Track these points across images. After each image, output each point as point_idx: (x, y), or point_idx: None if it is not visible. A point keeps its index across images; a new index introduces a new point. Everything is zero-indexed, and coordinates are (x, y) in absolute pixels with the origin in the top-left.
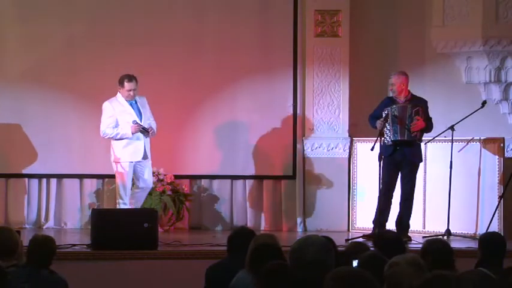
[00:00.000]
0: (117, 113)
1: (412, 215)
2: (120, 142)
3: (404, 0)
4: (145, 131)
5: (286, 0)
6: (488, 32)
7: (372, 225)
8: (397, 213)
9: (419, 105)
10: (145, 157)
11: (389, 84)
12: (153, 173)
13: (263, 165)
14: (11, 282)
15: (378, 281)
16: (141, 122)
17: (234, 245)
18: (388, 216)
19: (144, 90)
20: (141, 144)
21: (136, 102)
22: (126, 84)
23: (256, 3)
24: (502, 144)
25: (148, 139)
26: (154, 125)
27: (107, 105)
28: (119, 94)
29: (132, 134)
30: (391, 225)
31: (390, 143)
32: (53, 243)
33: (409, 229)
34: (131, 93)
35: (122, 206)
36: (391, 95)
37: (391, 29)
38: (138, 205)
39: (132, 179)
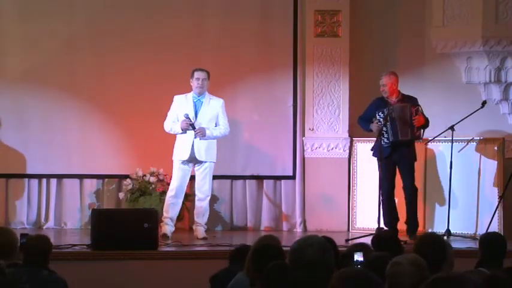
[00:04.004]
0: (178, 107)
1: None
2: (177, 139)
3: (404, 0)
4: (192, 128)
5: (286, 0)
6: (488, 32)
7: (375, 226)
8: (404, 213)
9: (416, 104)
10: (192, 159)
11: (380, 85)
12: (153, 173)
13: (263, 165)
14: (11, 282)
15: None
16: (195, 120)
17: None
18: (396, 215)
19: (144, 90)
20: (188, 143)
21: (202, 101)
22: (195, 73)
23: (256, 3)
24: (502, 145)
25: (206, 142)
26: (217, 131)
27: (174, 99)
28: (192, 91)
29: (181, 129)
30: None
31: (387, 144)
32: (48, 241)
33: (418, 228)
34: (199, 82)
35: (165, 216)
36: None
37: (391, 29)
38: (199, 218)
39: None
